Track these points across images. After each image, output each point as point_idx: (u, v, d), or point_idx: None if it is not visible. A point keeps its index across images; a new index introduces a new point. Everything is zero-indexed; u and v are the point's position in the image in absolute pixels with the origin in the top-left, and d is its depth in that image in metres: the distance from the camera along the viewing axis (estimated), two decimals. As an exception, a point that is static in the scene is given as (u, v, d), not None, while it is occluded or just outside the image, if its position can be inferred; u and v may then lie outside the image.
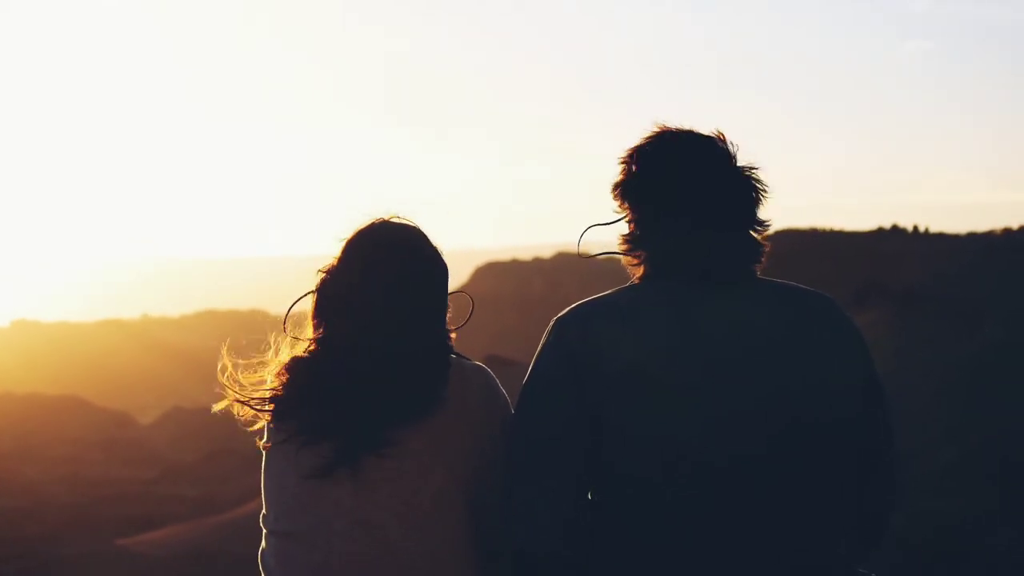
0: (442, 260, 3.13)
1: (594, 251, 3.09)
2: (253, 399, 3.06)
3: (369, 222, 3.11)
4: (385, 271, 3.02)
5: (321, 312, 3.06)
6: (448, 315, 3.13)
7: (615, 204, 3.05)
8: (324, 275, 3.08)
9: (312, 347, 3.05)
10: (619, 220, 3.05)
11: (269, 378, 3.07)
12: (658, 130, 3.03)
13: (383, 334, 2.99)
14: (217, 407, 3.12)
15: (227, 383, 3.08)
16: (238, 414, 3.08)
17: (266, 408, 3.05)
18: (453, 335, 3.14)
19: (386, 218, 3.12)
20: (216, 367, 3.10)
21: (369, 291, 3.01)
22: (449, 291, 3.13)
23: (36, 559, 47.07)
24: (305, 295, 3.10)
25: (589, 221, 3.09)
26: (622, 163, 3.04)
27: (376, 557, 2.94)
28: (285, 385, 3.04)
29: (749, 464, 2.81)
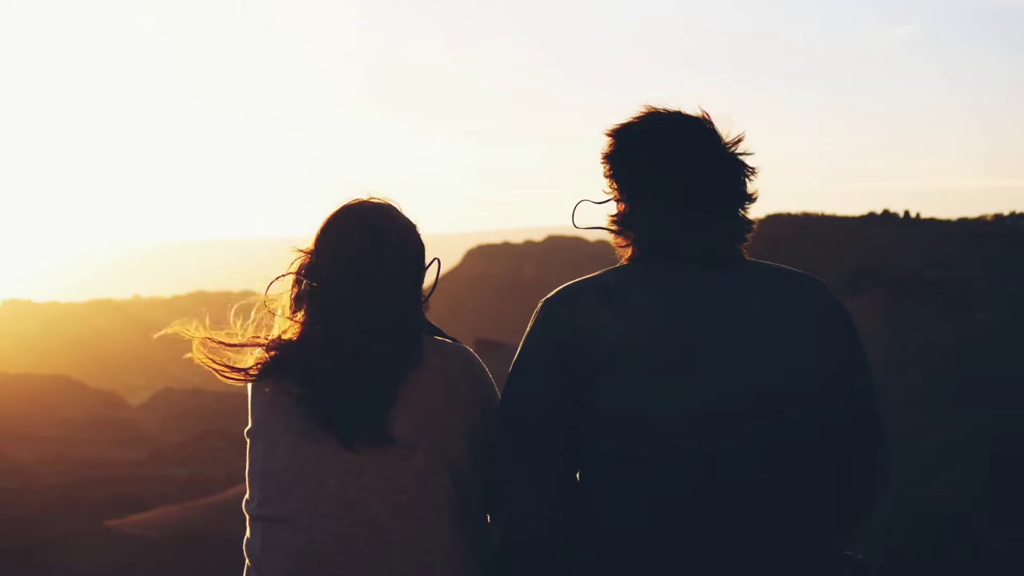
0: (417, 236, 3.12)
1: (586, 227, 3.08)
2: (229, 368, 3.06)
3: (344, 202, 3.12)
4: (360, 250, 3.02)
5: (300, 294, 3.06)
6: (427, 290, 3.14)
7: (605, 184, 3.04)
8: (303, 257, 3.08)
9: (293, 328, 3.05)
10: (609, 200, 3.05)
11: (250, 353, 3.07)
12: (645, 111, 3.03)
13: (362, 315, 2.98)
14: (193, 356, 3.10)
15: (206, 349, 3.09)
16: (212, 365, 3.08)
17: (238, 377, 3.06)
18: (427, 297, 3.14)
19: (361, 198, 3.12)
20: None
21: (346, 272, 3.01)
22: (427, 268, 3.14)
23: (26, 539, 47.07)
24: (281, 276, 3.10)
25: (581, 206, 3.08)
26: (609, 143, 3.02)
27: (363, 539, 2.94)
28: (268, 363, 3.04)
29: (736, 447, 2.80)
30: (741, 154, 2.99)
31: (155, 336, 3.18)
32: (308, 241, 3.09)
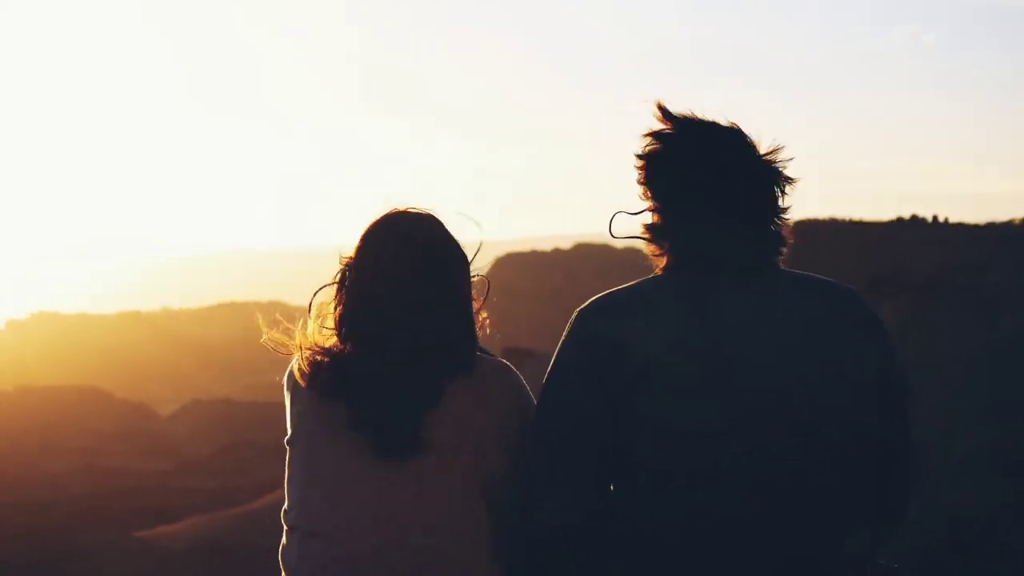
0: (459, 248, 3.12)
1: (623, 235, 3.08)
2: (309, 356, 3.04)
3: (384, 212, 3.11)
4: (402, 261, 3.02)
5: (342, 304, 3.06)
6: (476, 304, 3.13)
7: (640, 192, 3.03)
8: (344, 267, 3.09)
9: (335, 340, 3.05)
10: (644, 210, 3.04)
11: (297, 361, 3.07)
12: (680, 117, 3.00)
13: (404, 326, 2.99)
14: (266, 340, 3.10)
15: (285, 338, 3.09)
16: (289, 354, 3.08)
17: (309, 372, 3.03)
18: (484, 318, 3.15)
19: (402, 208, 3.12)
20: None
21: (387, 283, 3.01)
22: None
23: (55, 550, 47.22)
24: (324, 287, 3.10)
25: (610, 212, 3.08)
26: (645, 146, 3.01)
27: (397, 554, 2.94)
28: (310, 373, 3.04)
29: (771, 458, 2.80)
30: (778, 163, 2.98)
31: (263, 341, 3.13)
32: (346, 251, 3.09)
